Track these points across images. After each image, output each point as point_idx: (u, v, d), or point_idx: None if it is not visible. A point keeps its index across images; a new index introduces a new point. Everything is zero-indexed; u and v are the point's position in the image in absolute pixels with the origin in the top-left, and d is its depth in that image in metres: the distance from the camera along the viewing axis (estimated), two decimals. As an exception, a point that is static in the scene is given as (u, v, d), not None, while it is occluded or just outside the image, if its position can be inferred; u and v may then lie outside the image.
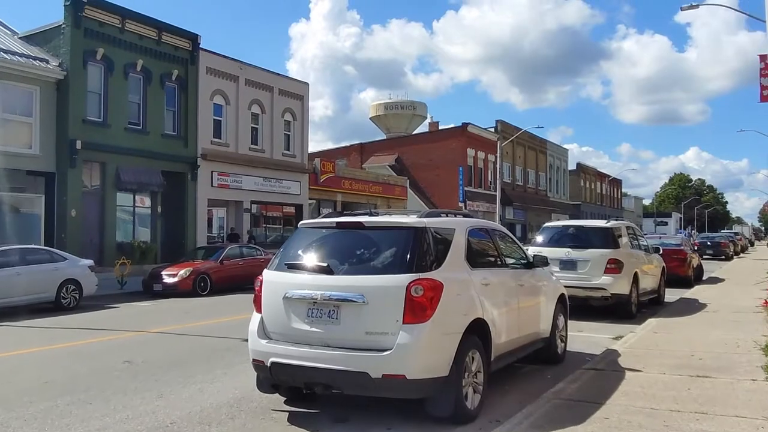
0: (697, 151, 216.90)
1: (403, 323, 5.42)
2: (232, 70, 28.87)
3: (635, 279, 12.86)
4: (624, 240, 13.17)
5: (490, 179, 53.63)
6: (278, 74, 32.27)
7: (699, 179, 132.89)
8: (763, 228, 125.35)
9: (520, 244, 8.22)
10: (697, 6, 23.92)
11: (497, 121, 56.08)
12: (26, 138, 21.41)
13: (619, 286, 12.37)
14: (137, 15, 24.49)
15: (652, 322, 11.19)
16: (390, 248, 5.90)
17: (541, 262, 8.00)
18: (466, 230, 6.58)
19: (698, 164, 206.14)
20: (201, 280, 18.95)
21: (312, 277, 5.91)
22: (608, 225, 13.18)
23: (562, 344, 8.51)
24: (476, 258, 6.67)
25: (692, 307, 13.62)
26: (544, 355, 8.02)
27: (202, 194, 27.18)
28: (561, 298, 8.48)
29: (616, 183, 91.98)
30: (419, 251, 5.76)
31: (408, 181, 45.59)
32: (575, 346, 9.24)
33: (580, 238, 13.02)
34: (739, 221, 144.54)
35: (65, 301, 15.46)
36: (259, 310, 6.23)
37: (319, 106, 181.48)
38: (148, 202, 25.84)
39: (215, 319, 13.43)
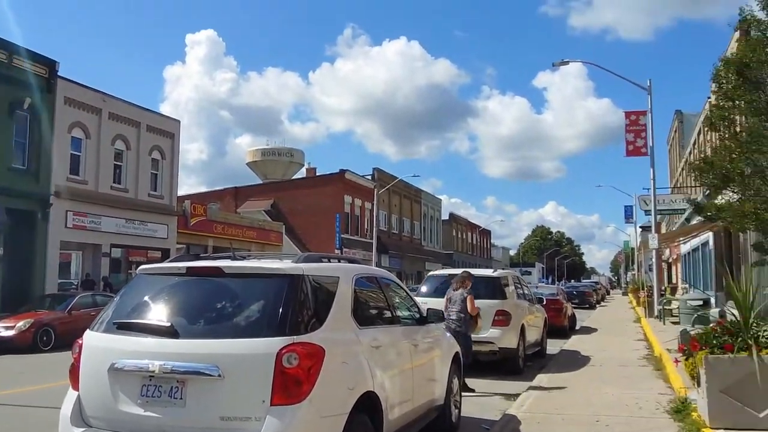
0: (554, 206, 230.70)
1: (272, 404, 4.16)
2: (94, 102, 26.46)
3: (522, 331, 12.25)
4: (510, 290, 12.58)
5: (366, 227, 53.17)
6: (146, 109, 30.12)
7: (558, 231, 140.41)
8: (615, 278, 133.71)
9: (412, 296, 7.20)
10: (567, 62, 24.79)
11: (374, 169, 56.11)
12: None
13: (507, 339, 11.68)
14: (-18, 34, 21.86)
15: (543, 379, 10.50)
16: (257, 302, 4.62)
17: (436, 316, 6.98)
18: (353, 279, 5.44)
19: (556, 218, 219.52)
20: (43, 333, 16.52)
21: (149, 342, 4.48)
22: (495, 274, 12.56)
23: (456, 410, 7.48)
24: (365, 314, 5.53)
25: (577, 360, 13.18)
26: (436, 426, 6.89)
27: (54, 236, 24.29)
28: (455, 358, 7.48)
29: (486, 234, 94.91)
30: (294, 306, 4.53)
31: (284, 226, 44.06)
32: (467, 408, 8.25)
33: (466, 288, 12.24)
34: (593, 271, 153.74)
35: None
36: (75, 386, 4.68)
37: (193, 150, 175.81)
38: (-13, 243, 22.69)
39: (51, 382, 11.30)
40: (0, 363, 14.16)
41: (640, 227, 59.99)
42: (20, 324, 16.32)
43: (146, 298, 4.94)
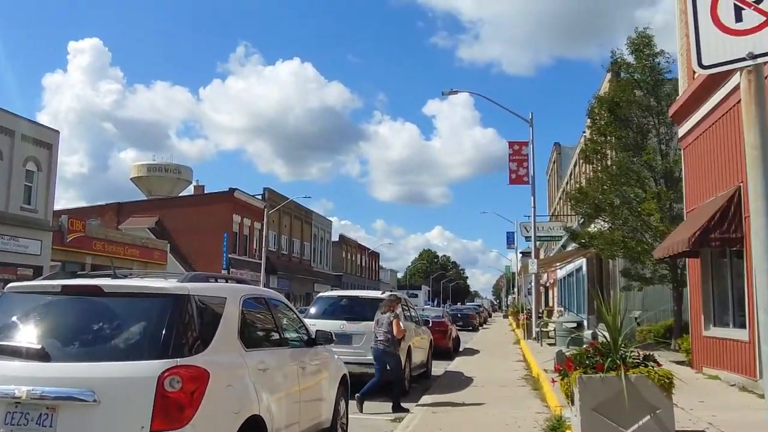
0: (440, 230, 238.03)
1: (151, 430, 3.98)
2: (-41, 107, 24.54)
3: (409, 353, 12.40)
4: (398, 312, 12.71)
5: (255, 247, 52.25)
6: (21, 117, 28.27)
7: (444, 255, 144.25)
8: (497, 301, 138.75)
9: (301, 317, 7.13)
10: (456, 92, 25.73)
11: (265, 188, 55.42)
12: None
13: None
14: None
15: (428, 400, 10.67)
16: (139, 323, 4.44)
17: (325, 338, 6.94)
18: (241, 300, 5.33)
19: (442, 242, 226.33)
20: None
21: (16, 366, 4.20)
22: (384, 296, 12.66)
23: (343, 433, 7.45)
24: (252, 336, 5.43)
25: (460, 381, 13.50)
26: (323, 449, 6.84)
27: None
28: (343, 380, 7.47)
29: (374, 256, 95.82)
30: (179, 327, 4.39)
31: (169, 245, 42.45)
32: (353, 431, 8.24)
33: (355, 310, 12.31)
34: (477, 294, 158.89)
35: None
36: None
37: (72, 163, 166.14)
38: None
39: None
40: None
41: (521, 252, 62.73)
42: None
43: (14, 318, 4.63)
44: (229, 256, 47.39)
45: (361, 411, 9.64)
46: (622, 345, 6.99)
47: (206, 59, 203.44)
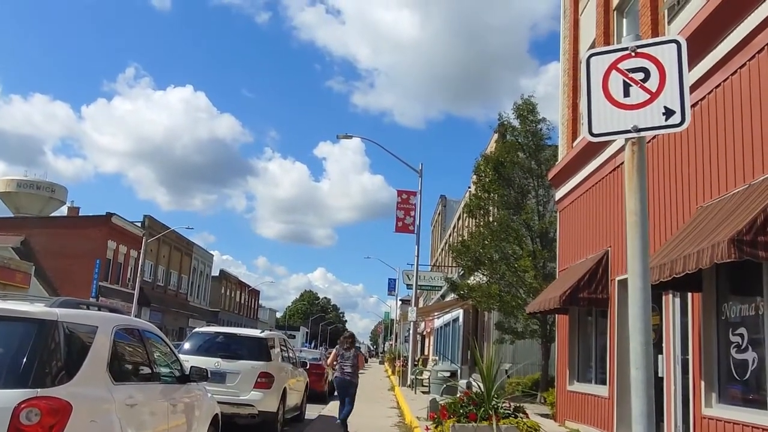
0: (323, 272, 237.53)
1: None
2: None
3: (284, 395, 12.16)
4: (276, 352, 12.50)
5: (129, 276, 49.80)
6: None
7: (325, 297, 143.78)
8: (374, 347, 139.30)
9: (176, 352, 6.85)
10: (350, 137, 26.12)
11: (145, 216, 53.15)
12: None
13: (268, 402, 11.49)
14: None
15: (299, 444, 10.45)
16: None
17: (199, 375, 6.69)
18: (113, 330, 5.06)
19: (323, 284, 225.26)
20: None
21: None
22: (263, 335, 12.42)
23: (208, 476, 7.14)
24: (122, 368, 5.15)
25: (333, 426, 13.33)
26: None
27: None
28: (215, 420, 7.21)
29: (255, 293, 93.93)
30: (42, 355, 4.11)
31: (34, 267, 39.53)
32: (220, 475, 7.92)
33: (231, 348, 11.94)
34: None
35: None
36: None
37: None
38: None
39: None
40: None
41: (401, 300, 63.60)
42: None
43: None
44: (100, 284, 44.84)
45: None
46: (495, 396, 7.24)
47: (92, 76, 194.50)
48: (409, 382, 24.72)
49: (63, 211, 59.88)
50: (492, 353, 8.10)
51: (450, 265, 34.48)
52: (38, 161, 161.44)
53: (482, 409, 6.98)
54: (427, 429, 7.51)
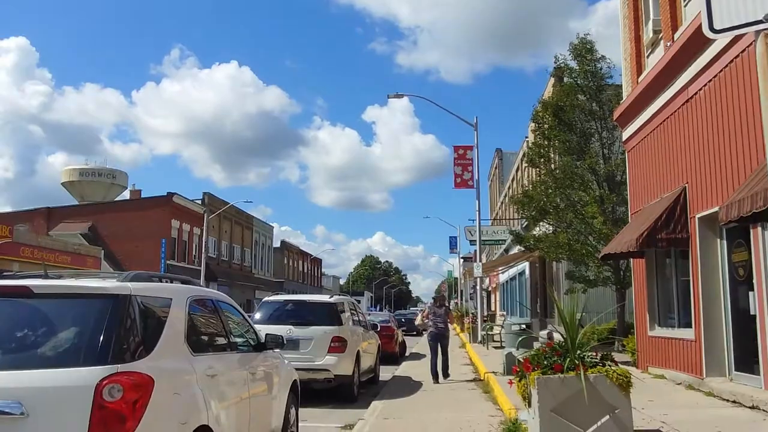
0: (382, 236, 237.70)
1: None
2: None
3: (357, 358, 12.11)
4: (346, 316, 12.43)
5: (194, 253, 50.99)
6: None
7: (387, 261, 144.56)
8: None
9: (250, 320, 6.76)
10: (401, 96, 25.63)
11: (204, 193, 54.17)
12: None
13: (343, 366, 11.47)
14: None
15: (378, 406, 10.37)
16: (74, 327, 4.03)
17: (274, 342, 6.59)
18: (187, 301, 4.95)
19: (383, 248, 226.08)
20: None
21: None
22: (332, 300, 12.37)
23: (293, 442, 7.10)
24: (199, 339, 5.06)
25: (410, 386, 13.28)
26: (273, 460, 6.46)
27: None
28: (294, 387, 7.13)
29: (317, 262, 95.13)
30: (119, 331, 3.99)
31: (102, 251, 40.90)
32: (303, 440, 7.89)
33: (302, 315, 11.94)
34: (419, 300, 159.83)
35: None
36: None
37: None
38: None
39: None
40: None
41: (462, 257, 63.28)
42: None
43: None
44: (167, 262, 46.07)
45: (441, 380, 13.50)
46: (580, 345, 6.89)
47: (139, 61, 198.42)
48: (480, 339, 24.55)
49: (126, 195, 61.61)
50: (574, 301, 7.70)
51: (512, 217, 33.88)
52: (96, 149, 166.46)
53: (568, 359, 6.65)
54: (511, 383, 7.24)
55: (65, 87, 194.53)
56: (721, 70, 9.46)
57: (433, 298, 15.68)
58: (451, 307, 15.91)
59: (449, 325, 14.61)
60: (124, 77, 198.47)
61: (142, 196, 54.42)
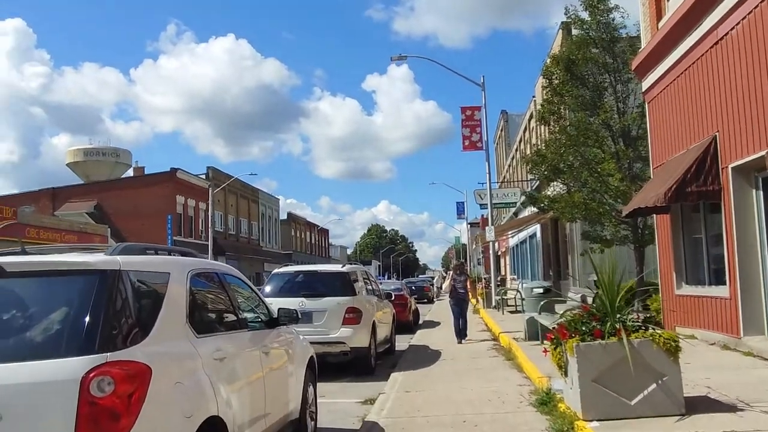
0: (387, 205, 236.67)
1: None
2: None
3: (373, 329, 11.62)
4: (360, 285, 11.91)
5: (201, 228, 50.57)
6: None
7: (393, 230, 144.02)
8: (447, 272, 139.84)
9: (260, 293, 6.20)
10: (404, 57, 24.79)
11: (209, 167, 53.58)
12: None
13: (359, 338, 10.98)
14: None
15: (397, 378, 9.89)
16: (54, 310, 3.44)
17: (288, 317, 6.03)
18: (188, 275, 4.37)
19: (388, 216, 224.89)
20: None
21: None
22: (344, 269, 11.83)
23: (312, 422, 6.60)
24: (204, 318, 4.50)
25: (428, 355, 12.81)
26: (291, 443, 5.95)
27: None
28: (311, 363, 6.60)
29: (324, 233, 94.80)
30: (108, 312, 3.40)
31: (109, 229, 40.50)
32: (323, 419, 7.39)
33: (314, 286, 11.40)
34: (426, 267, 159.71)
35: None
36: None
37: (1, 151, 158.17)
38: None
39: None
40: None
41: (469, 223, 62.75)
42: None
43: None
44: (174, 238, 45.66)
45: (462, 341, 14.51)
46: (619, 308, 6.33)
47: (135, 39, 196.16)
48: (494, 304, 24.07)
49: (130, 173, 61.05)
50: (614, 261, 7.08)
51: (522, 179, 33.18)
52: (99, 129, 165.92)
53: (608, 323, 6.10)
54: (545, 352, 6.70)
55: (64, 67, 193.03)
56: (756, 6, 8.72)
57: (452, 266, 16.50)
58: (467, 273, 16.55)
59: (468, 290, 15.51)
60: (122, 55, 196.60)
61: (146, 173, 53.83)
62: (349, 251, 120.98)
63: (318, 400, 7.14)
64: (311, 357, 6.66)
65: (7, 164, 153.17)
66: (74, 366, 3.13)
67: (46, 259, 3.77)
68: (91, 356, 3.18)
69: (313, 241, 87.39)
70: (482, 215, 46.02)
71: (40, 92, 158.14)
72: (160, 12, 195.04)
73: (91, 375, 3.11)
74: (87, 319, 3.32)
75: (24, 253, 4.01)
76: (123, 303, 3.55)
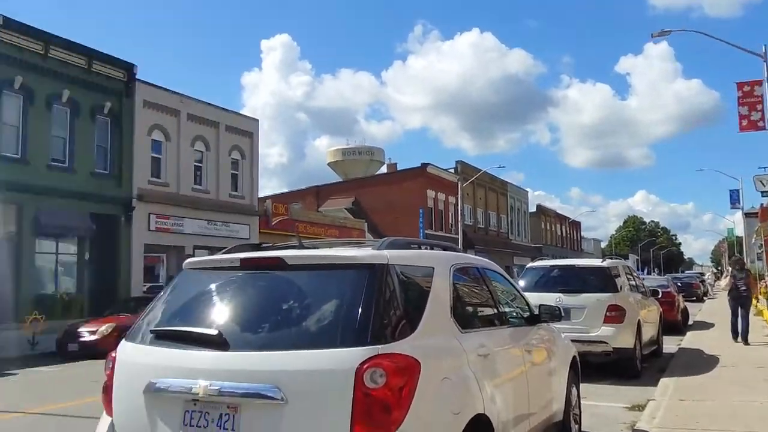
0: (644, 194, 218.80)
1: None
2: (172, 104, 26.40)
3: (638, 329, 10.75)
4: (622, 281, 11.08)
5: (451, 222, 51.84)
6: (224, 109, 29.92)
7: (653, 221, 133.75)
8: (718, 268, 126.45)
9: (520, 289, 5.98)
10: (668, 32, 22.69)
11: (457, 161, 54.62)
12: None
13: (623, 338, 10.22)
14: (63, 41, 21.96)
15: (669, 384, 9.00)
16: (328, 302, 3.54)
17: (550, 314, 5.70)
18: (451, 270, 4.30)
19: (646, 207, 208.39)
20: (126, 337, 16.20)
21: (192, 356, 3.48)
22: (605, 264, 11.11)
23: (576, 426, 6.20)
24: (467, 314, 4.41)
25: (702, 360, 11.53)
26: (555, 448, 5.64)
27: (138, 239, 24.36)
28: (573, 363, 6.21)
29: (575, 225, 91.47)
30: (378, 305, 3.42)
31: (366, 224, 43.40)
32: (587, 422, 6.94)
33: (571, 281, 10.83)
34: (692, 262, 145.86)
35: (-52, 368, 12.61)
36: (109, 410, 3.73)
37: (273, 154, 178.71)
38: (73, 248, 22.93)
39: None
40: (79, 370, 13.83)
41: (745, 213, 55.90)
42: (102, 328, 16.12)
43: (191, 299, 3.94)
44: (426, 232, 47.38)
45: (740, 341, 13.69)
46: None
47: (386, 42, 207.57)
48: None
49: (383, 170, 64.87)
50: None
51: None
52: (354, 129, 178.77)
53: None
54: None
55: (323, 75, 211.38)
56: None
57: (731, 261, 16.04)
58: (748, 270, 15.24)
59: (750, 287, 14.38)
60: (374, 59, 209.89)
61: (398, 169, 56.65)
62: (603, 244, 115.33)
63: (583, 402, 6.73)
64: (574, 356, 6.26)
65: (279, 166, 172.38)
66: (350, 356, 3.19)
67: (322, 253, 3.93)
68: (364, 347, 3.22)
69: (563, 234, 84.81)
70: (762, 204, 40.52)
71: (304, 99, 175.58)
72: (407, 14, 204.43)
73: (365, 366, 3.15)
74: (359, 311, 3.37)
75: (301, 247, 4.24)
76: (391, 296, 3.56)
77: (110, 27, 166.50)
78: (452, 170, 53.33)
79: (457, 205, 47.72)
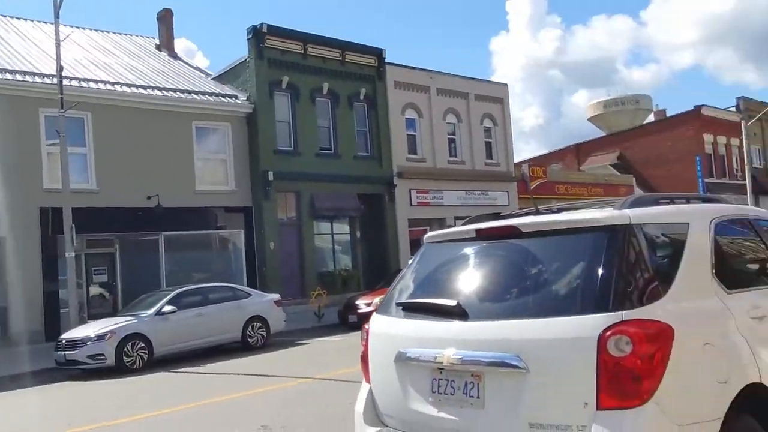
0: None
1: (599, 408, 2.89)
2: (421, 81, 27.21)
3: None
4: None
5: (735, 167, 46.20)
6: (472, 78, 29.96)
7: None
8: None
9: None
10: None
11: (738, 98, 48.29)
12: (222, 175, 21.68)
13: None
14: (318, 38, 23.93)
15: None
16: (566, 268, 3.30)
17: None
18: (711, 224, 3.70)
19: None
20: (399, 307, 17.23)
21: (434, 327, 3.58)
22: None
23: None
24: (734, 272, 3.75)
25: None
26: None
27: (402, 214, 25.72)
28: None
29: None
30: (620, 269, 3.12)
31: (634, 179, 40.58)
32: None
33: None
34: None
35: (251, 339, 14.52)
36: (367, 377, 4.01)
37: (528, 116, 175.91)
38: (346, 227, 25.02)
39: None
40: (357, 339, 14.97)
41: None
42: (377, 300, 17.21)
43: (431, 272, 4.02)
44: (706, 180, 42.85)
45: None
46: None
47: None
48: None
49: (651, 118, 60.08)
50: None
51: None
52: (614, 79, 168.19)
53: None
54: None
55: (574, 26, 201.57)
56: None
57: None
58: None
59: None
60: (629, 0, 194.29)
61: (667, 115, 51.89)
62: None
63: None
64: None
65: (536, 127, 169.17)
66: (591, 324, 2.98)
67: (557, 218, 3.64)
68: (606, 314, 2.97)
69: None
70: None
71: (555, 55, 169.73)
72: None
73: (608, 334, 2.92)
74: (599, 276, 3.10)
75: (538, 213, 4.03)
76: (636, 259, 3.19)
77: (357, 18, 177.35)
78: (733, 109, 47.36)
79: (742, 147, 42.24)
